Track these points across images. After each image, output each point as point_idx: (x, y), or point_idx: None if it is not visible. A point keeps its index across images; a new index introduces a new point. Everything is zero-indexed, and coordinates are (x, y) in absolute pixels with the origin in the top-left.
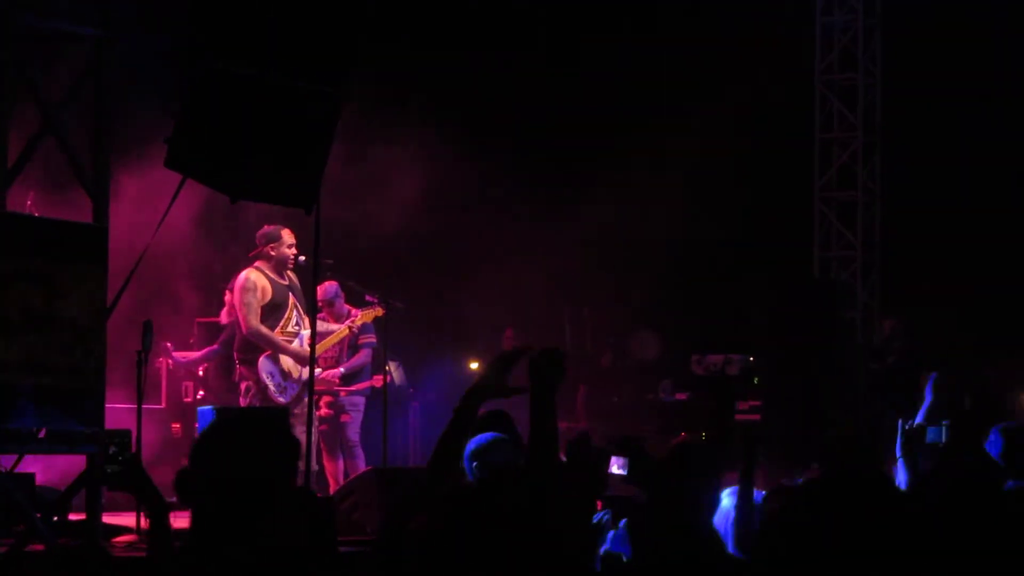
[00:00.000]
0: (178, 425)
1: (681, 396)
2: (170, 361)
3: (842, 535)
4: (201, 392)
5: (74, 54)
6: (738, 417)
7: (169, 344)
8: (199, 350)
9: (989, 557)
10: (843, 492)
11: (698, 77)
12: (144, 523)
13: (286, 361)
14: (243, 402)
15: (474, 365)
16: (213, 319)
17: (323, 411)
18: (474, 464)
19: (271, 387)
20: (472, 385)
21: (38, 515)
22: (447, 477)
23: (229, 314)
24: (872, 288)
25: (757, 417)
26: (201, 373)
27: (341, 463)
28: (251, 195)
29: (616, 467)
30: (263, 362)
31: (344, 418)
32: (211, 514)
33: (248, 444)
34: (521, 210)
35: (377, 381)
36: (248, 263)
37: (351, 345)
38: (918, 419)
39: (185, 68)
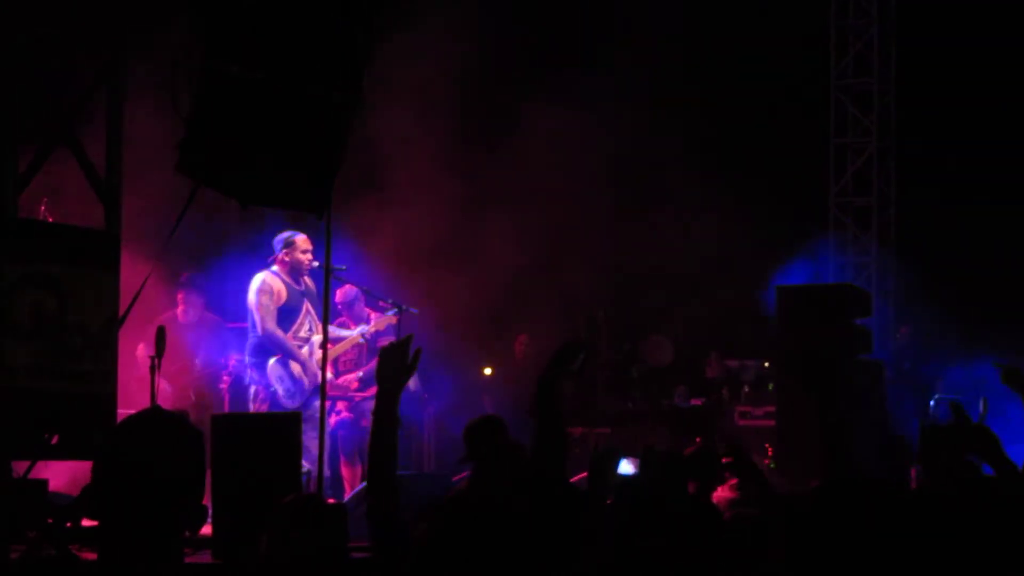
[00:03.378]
0: None
1: (696, 402)
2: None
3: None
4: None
5: (85, 59)
6: (749, 423)
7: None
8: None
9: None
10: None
11: (713, 85)
12: None
13: (296, 366)
14: (252, 407)
15: (487, 371)
16: (229, 324)
17: (343, 415)
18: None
19: (281, 392)
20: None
21: (50, 521)
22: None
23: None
24: (887, 294)
25: (772, 423)
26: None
27: (360, 469)
28: (262, 200)
29: (627, 466)
30: (273, 366)
31: (363, 423)
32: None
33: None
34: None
35: None
36: (265, 267)
37: (371, 348)
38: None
39: (196, 73)
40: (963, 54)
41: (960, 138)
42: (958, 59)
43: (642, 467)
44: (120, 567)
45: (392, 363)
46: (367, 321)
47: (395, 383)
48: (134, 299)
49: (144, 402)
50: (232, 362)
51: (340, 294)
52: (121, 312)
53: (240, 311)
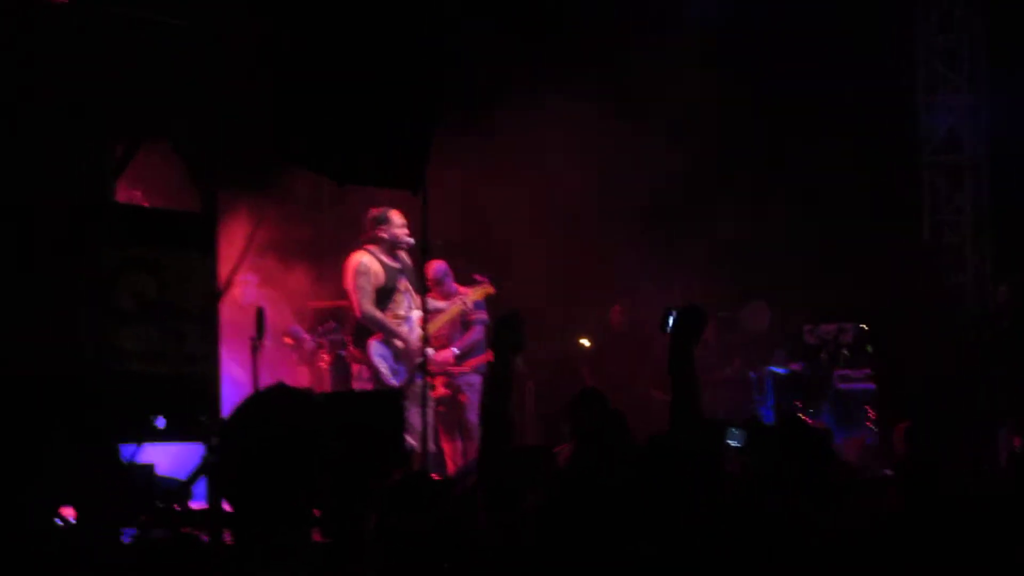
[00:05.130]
0: None
1: (796, 366)
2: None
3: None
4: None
5: (177, 48)
6: (849, 386)
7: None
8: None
9: None
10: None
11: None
12: None
13: (398, 343)
14: (356, 385)
15: (585, 342)
16: (327, 304)
17: (440, 391)
18: None
19: (383, 370)
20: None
21: (160, 504)
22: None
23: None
24: (983, 252)
25: (872, 385)
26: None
27: (460, 444)
28: (358, 179)
29: (734, 441)
30: (375, 345)
31: (461, 398)
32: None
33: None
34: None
35: (490, 356)
36: (358, 247)
37: (463, 323)
38: None
39: (284, 58)
40: None
41: None
42: None
43: (748, 440)
44: (251, 543)
45: (507, 332)
46: (457, 296)
47: (510, 351)
48: (230, 278)
49: None
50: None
51: (430, 271)
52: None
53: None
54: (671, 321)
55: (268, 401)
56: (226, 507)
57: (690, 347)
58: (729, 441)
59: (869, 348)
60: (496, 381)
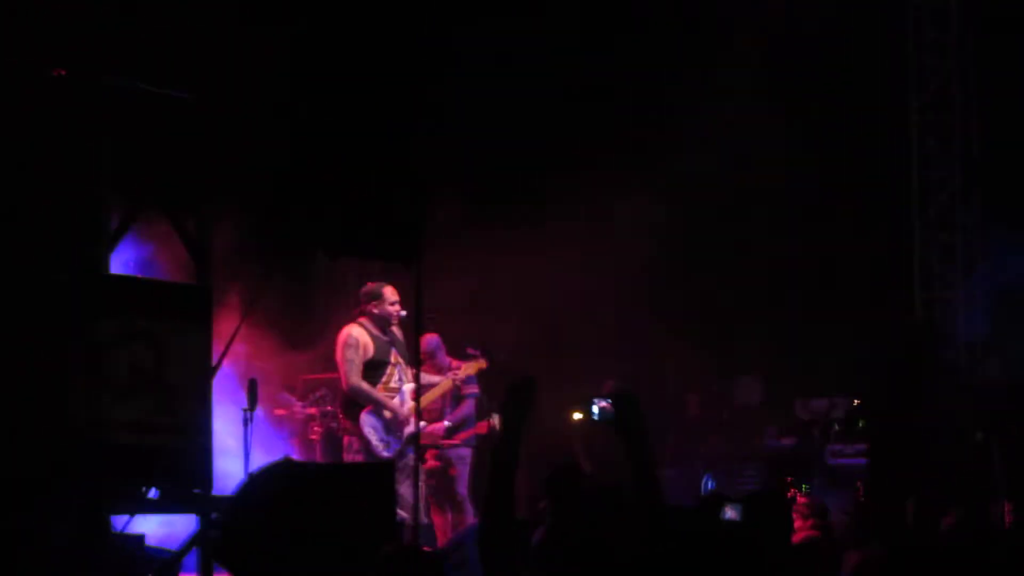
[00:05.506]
0: None
1: (787, 441)
2: (280, 409)
3: None
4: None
5: (170, 117)
6: (840, 460)
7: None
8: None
9: None
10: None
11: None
12: None
13: (388, 415)
14: (347, 457)
15: (577, 416)
16: (318, 376)
17: (430, 464)
18: None
19: (374, 442)
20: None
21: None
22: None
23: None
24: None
25: (864, 461)
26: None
27: (450, 516)
28: (350, 251)
29: (730, 513)
30: (365, 417)
31: (452, 472)
32: None
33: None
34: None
35: (481, 428)
36: (351, 320)
37: (454, 397)
38: None
39: (279, 127)
40: None
41: None
42: None
43: (745, 512)
44: None
45: (517, 403)
46: (449, 370)
47: (518, 422)
48: (225, 351)
49: None
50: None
51: (422, 343)
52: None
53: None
54: (600, 410)
55: (275, 476)
56: None
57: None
58: (727, 515)
59: (860, 423)
60: (506, 446)
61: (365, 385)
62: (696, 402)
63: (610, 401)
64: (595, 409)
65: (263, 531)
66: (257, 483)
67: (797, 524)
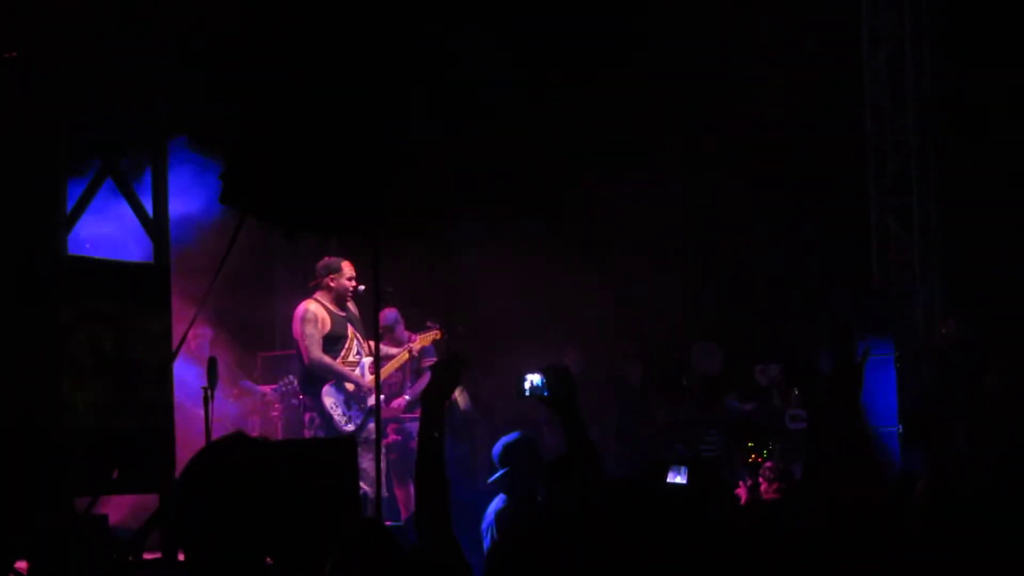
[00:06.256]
0: None
1: (747, 406)
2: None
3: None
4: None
5: (128, 94)
6: (800, 425)
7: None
8: (264, 385)
9: None
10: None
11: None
12: None
13: (351, 387)
14: (307, 433)
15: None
16: (275, 352)
17: (391, 438)
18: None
19: (336, 417)
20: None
21: (113, 555)
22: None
23: None
24: (932, 290)
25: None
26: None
27: (411, 489)
28: (309, 228)
29: (676, 477)
30: (327, 391)
31: (412, 445)
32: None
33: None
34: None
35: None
36: (308, 294)
37: (414, 370)
38: None
39: (237, 100)
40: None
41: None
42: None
43: (691, 476)
44: None
45: (440, 381)
46: (408, 343)
47: (438, 400)
48: (185, 333)
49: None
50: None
51: (381, 317)
52: (174, 347)
53: (287, 338)
54: (530, 386)
55: (225, 449)
56: (180, 557)
57: (441, 406)
58: (672, 478)
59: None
60: (429, 429)
61: (327, 358)
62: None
63: (541, 375)
64: (525, 385)
65: (212, 505)
66: (206, 456)
67: (763, 487)
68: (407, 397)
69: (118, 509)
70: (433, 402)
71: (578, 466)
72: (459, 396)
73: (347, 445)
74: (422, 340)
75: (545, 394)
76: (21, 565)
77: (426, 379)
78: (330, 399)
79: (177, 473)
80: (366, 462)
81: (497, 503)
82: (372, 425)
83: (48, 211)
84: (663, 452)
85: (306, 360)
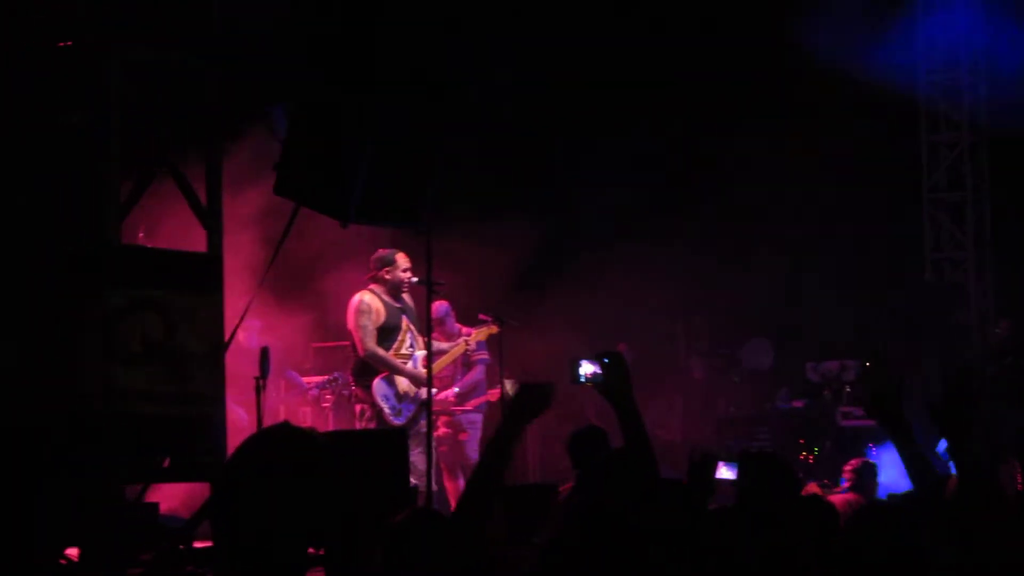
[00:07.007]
0: None
1: (798, 404)
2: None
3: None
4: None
5: (184, 86)
6: (852, 423)
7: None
8: (318, 375)
9: None
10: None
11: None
12: None
13: (401, 382)
14: (359, 425)
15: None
16: (329, 343)
17: (441, 431)
18: None
19: (386, 409)
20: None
21: (164, 544)
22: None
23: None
24: (986, 288)
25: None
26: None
27: (462, 482)
28: (362, 218)
29: (725, 471)
30: (378, 384)
31: (462, 436)
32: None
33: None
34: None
35: (492, 395)
36: (363, 286)
37: (465, 363)
38: None
39: (291, 94)
40: None
41: None
42: None
43: (741, 471)
44: None
45: (530, 402)
46: (459, 336)
47: (519, 422)
48: (239, 322)
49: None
50: (336, 381)
51: (432, 310)
52: (226, 336)
53: (341, 329)
54: (588, 371)
55: (272, 439)
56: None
57: (521, 430)
58: (722, 474)
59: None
60: (502, 447)
61: (380, 351)
62: (701, 366)
63: (596, 362)
64: (580, 370)
65: (257, 496)
66: (251, 446)
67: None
68: (456, 389)
69: (169, 498)
70: (515, 423)
71: (633, 461)
72: (509, 388)
73: (397, 438)
74: (477, 334)
75: (601, 380)
76: (72, 552)
77: (476, 372)
78: (381, 391)
79: None
80: (415, 456)
81: None
82: (423, 418)
83: (101, 200)
84: (718, 447)
85: (360, 352)
